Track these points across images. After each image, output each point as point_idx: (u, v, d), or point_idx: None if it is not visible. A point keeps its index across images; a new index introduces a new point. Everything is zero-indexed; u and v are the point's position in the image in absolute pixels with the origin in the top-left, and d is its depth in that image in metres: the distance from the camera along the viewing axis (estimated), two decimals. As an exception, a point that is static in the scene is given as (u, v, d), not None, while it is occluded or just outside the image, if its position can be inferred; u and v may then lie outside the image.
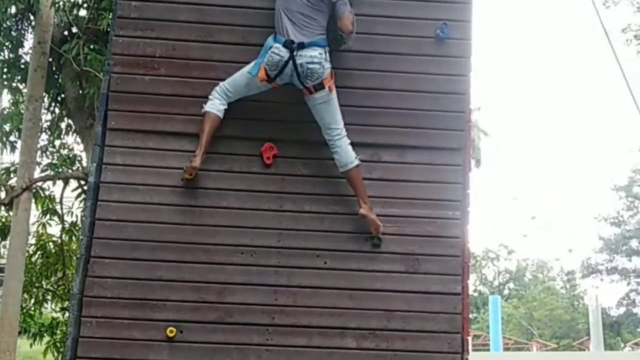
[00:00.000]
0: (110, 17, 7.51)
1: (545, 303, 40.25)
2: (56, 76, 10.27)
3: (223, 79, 4.95)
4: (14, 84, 10.71)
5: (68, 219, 10.52)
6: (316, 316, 4.75)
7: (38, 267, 10.78)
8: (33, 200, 9.90)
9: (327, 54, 4.77)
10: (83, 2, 9.82)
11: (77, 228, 10.22)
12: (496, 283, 46.86)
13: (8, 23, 10.22)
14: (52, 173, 10.17)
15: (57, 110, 10.78)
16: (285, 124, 4.98)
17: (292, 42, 4.71)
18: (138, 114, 4.96)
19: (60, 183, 10.30)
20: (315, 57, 4.70)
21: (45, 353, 10.49)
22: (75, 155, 10.74)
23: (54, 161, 10.57)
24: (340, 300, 4.78)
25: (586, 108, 64.97)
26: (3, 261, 10.38)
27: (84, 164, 10.26)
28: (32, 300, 10.86)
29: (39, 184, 10.05)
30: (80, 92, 10.00)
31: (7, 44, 10.41)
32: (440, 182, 4.99)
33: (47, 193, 10.32)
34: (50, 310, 11.60)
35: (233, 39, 5.05)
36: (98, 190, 4.86)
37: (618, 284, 41.33)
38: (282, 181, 4.93)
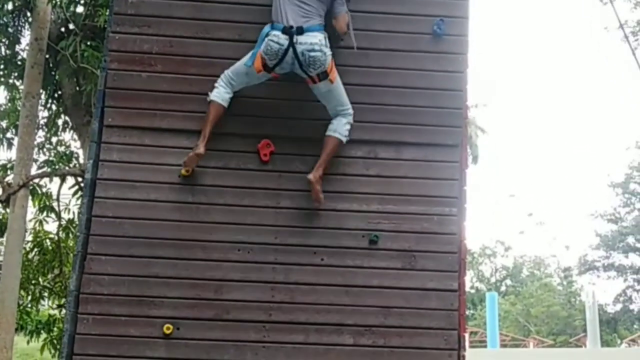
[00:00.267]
0: (107, 13, 7.50)
1: (542, 300, 40.33)
2: (53, 73, 10.26)
3: (220, 76, 4.94)
4: (11, 81, 10.70)
5: (65, 216, 10.52)
6: (313, 313, 4.75)
7: (35, 264, 10.78)
8: (30, 197, 9.89)
9: (327, 40, 4.74)
10: (80, -1, 9.80)
11: (74, 225, 10.21)
12: (493, 280, 46.93)
13: (5, 19, 10.21)
14: (49, 170, 10.16)
15: (54, 107, 10.77)
16: (282, 121, 4.97)
17: (291, 27, 4.67)
18: (135, 110, 4.95)
19: (57, 180, 10.29)
20: (316, 45, 4.65)
21: (42, 350, 10.49)
22: (72, 152, 10.73)
23: (51, 158, 10.55)
24: (337, 297, 4.78)
25: (583, 105, 65.05)
26: (0, 258, 10.36)
27: (81, 160, 10.25)
28: (29, 297, 10.87)
29: (36, 180, 10.03)
30: (77, 88, 10.00)
31: (3, 40, 10.40)
32: (437, 178, 5.00)
33: (44, 190, 10.30)
34: (47, 307, 11.60)
35: (230, 36, 5.05)
36: (95, 187, 4.86)
37: (615, 281, 41.47)
38: (279, 178, 4.93)
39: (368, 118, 5.01)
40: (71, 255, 9.91)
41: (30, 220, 10.60)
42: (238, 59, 4.92)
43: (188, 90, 4.98)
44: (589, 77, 67.25)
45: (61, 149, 10.95)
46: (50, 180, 10.32)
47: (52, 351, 10.32)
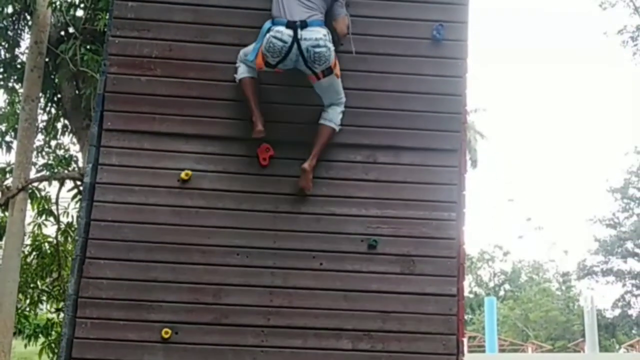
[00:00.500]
0: (106, 17, 7.50)
1: (540, 304, 40.31)
2: (52, 76, 10.26)
3: (219, 80, 4.96)
4: (10, 84, 10.70)
5: (64, 219, 10.51)
6: (312, 317, 4.75)
7: (33, 267, 10.77)
8: (29, 201, 9.89)
9: (330, 35, 4.72)
10: (80, 3, 9.80)
11: (72, 229, 10.20)
12: (492, 284, 46.91)
13: (5, 23, 10.21)
14: (48, 173, 10.16)
15: (53, 111, 10.77)
16: (282, 125, 4.97)
17: (295, 21, 4.64)
18: (134, 114, 4.95)
19: (56, 183, 10.29)
20: (321, 40, 4.61)
21: (40, 354, 10.48)
22: (71, 156, 10.74)
23: (50, 161, 10.56)
24: (335, 301, 4.78)
25: (582, 110, 65.09)
26: (-2, 262, 10.34)
27: (80, 164, 10.25)
28: (28, 301, 10.85)
29: (35, 184, 10.03)
30: (77, 92, 10.00)
31: (3, 43, 10.40)
32: (436, 183, 5.00)
33: (42, 193, 10.31)
34: (46, 311, 11.58)
35: (229, 40, 5.05)
36: (94, 191, 4.86)
37: (613, 286, 41.40)
38: (278, 182, 4.93)
39: (367, 122, 5.01)
40: (70, 259, 9.90)
41: (29, 224, 10.59)
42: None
43: (187, 94, 4.98)
44: (589, 82, 67.35)
45: (60, 152, 10.96)
46: (49, 184, 10.32)
47: (50, 355, 10.30)
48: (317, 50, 4.60)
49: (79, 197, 9.72)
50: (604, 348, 34.68)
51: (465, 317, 5.91)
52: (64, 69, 9.74)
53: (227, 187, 4.91)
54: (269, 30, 4.66)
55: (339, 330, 4.74)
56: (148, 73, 4.99)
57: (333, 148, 4.95)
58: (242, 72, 4.85)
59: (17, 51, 10.63)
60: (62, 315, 9.64)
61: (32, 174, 10.04)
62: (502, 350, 30.41)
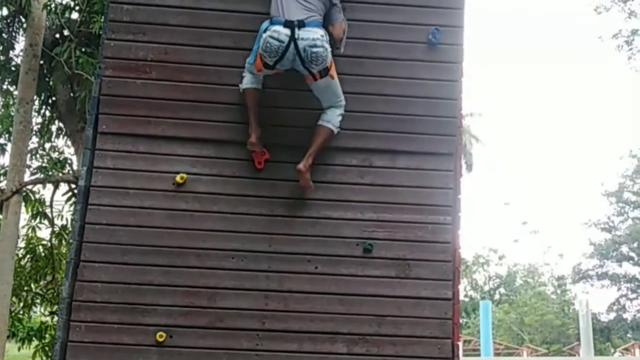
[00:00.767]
0: (102, 20, 7.49)
1: (535, 308, 40.30)
2: (47, 79, 10.25)
3: (215, 84, 4.96)
4: (5, 86, 10.70)
5: (58, 222, 10.50)
6: (307, 321, 4.74)
7: (27, 270, 10.74)
8: (23, 204, 9.86)
9: (327, 36, 4.71)
10: (75, 5, 9.80)
11: (67, 232, 10.18)
12: (487, 288, 46.91)
13: (-1, 25, 10.19)
14: (42, 176, 10.14)
15: (47, 113, 10.76)
16: (277, 129, 4.97)
17: (292, 21, 4.62)
18: (129, 117, 4.94)
19: (50, 186, 10.27)
20: (318, 40, 4.60)
21: (33, 357, 10.43)
22: (65, 159, 10.72)
23: (44, 164, 10.54)
24: (331, 305, 4.77)
25: (577, 114, 65.26)
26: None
27: (75, 167, 10.24)
28: (21, 304, 10.82)
29: (29, 187, 10.01)
30: (72, 95, 9.99)
31: (-2, 45, 10.38)
32: (432, 187, 4.99)
33: (37, 196, 10.28)
34: (39, 314, 11.55)
35: (225, 43, 5.04)
36: (88, 194, 4.85)
37: (608, 290, 41.50)
38: (274, 186, 4.92)
39: (363, 126, 5.01)
40: (64, 262, 9.87)
41: (23, 227, 10.58)
42: (232, 67, 4.93)
43: (183, 97, 4.97)
44: (584, 86, 67.49)
45: (55, 155, 10.94)
46: (44, 187, 10.30)
47: (44, 358, 10.26)
48: (314, 50, 4.59)
49: (73, 200, 9.70)
50: (599, 352, 34.70)
51: (461, 320, 5.91)
52: (59, 72, 9.72)
53: (222, 190, 4.90)
54: (266, 30, 4.66)
55: (334, 334, 4.73)
56: (143, 76, 4.98)
57: (329, 152, 4.94)
58: (246, 82, 4.85)
59: (11, 53, 10.62)
60: (56, 318, 9.61)
61: (27, 177, 10.02)
62: (497, 354, 30.40)
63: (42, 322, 10.76)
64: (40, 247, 10.68)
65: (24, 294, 10.75)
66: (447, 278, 4.87)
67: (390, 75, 5.08)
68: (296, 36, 4.59)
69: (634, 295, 41.16)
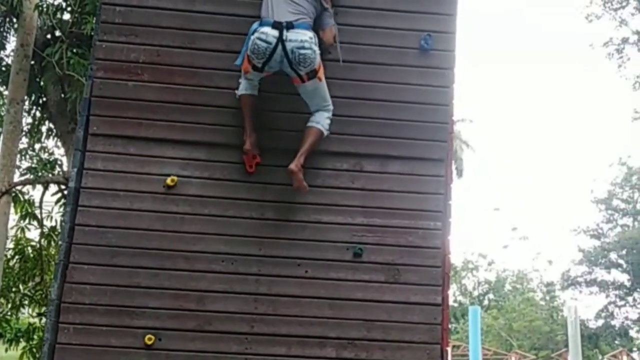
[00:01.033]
0: (94, 21, 7.47)
1: (524, 314, 40.40)
2: (38, 79, 10.22)
3: (206, 86, 4.95)
4: (-4, 87, 10.64)
5: (47, 223, 10.46)
6: (296, 325, 4.73)
7: (16, 271, 10.69)
8: (12, 204, 9.82)
9: (316, 39, 4.71)
10: (67, 6, 9.77)
11: (56, 233, 10.14)
12: (476, 293, 46.99)
13: (-10, 25, 10.16)
14: (32, 177, 10.09)
15: (38, 114, 10.72)
16: (268, 132, 4.96)
17: (280, 22, 4.61)
18: (120, 119, 4.93)
19: (40, 187, 10.23)
20: (306, 42, 4.59)
21: (21, 358, 10.38)
22: (55, 160, 10.68)
23: (34, 165, 10.50)
24: (320, 309, 4.77)
25: (567, 122, 65.52)
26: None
27: (65, 168, 10.20)
28: (9, 305, 10.76)
29: (19, 187, 9.96)
30: (62, 96, 9.96)
31: (-11, 45, 10.35)
32: (422, 192, 5.00)
33: (26, 197, 10.24)
34: (27, 315, 11.49)
35: (217, 46, 5.04)
36: (78, 196, 4.83)
37: (597, 296, 41.62)
38: (264, 189, 4.92)
39: (354, 131, 5.01)
40: (53, 263, 9.83)
41: (12, 228, 10.52)
42: (224, 70, 4.93)
43: (174, 100, 4.96)
44: (574, 94, 67.78)
45: (45, 156, 10.89)
46: (33, 188, 10.26)
47: (31, 360, 10.22)
48: (302, 52, 4.59)
49: (63, 201, 9.67)
50: (587, 358, 34.81)
51: (450, 326, 5.92)
52: (50, 73, 9.70)
53: (213, 193, 4.89)
54: (255, 31, 4.65)
55: (323, 338, 4.73)
56: (135, 78, 4.97)
57: (320, 156, 4.94)
58: (242, 88, 4.86)
59: (2, 54, 10.59)
60: (44, 320, 9.57)
61: (16, 177, 9.98)
62: (485, 360, 30.43)
63: (30, 324, 10.71)
64: (29, 248, 10.64)
65: (12, 295, 10.70)
66: (436, 283, 4.87)
67: (381, 81, 5.09)
68: (284, 37, 4.59)
69: (622, 303, 41.33)
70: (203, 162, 4.92)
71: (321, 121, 4.84)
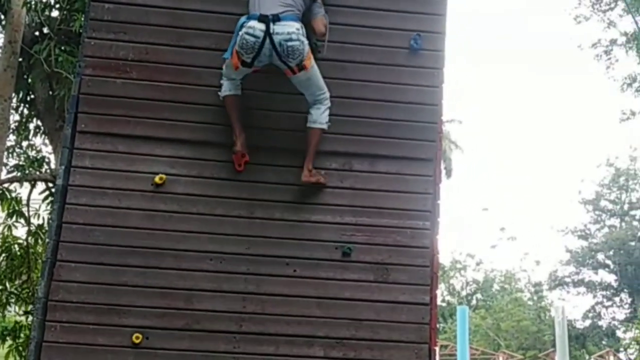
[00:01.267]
0: (82, 18, 7.44)
1: (512, 314, 40.51)
2: (26, 76, 10.15)
3: (195, 84, 4.95)
4: (-18, 84, 10.55)
5: (34, 221, 10.38)
6: (284, 324, 4.73)
7: (2, 269, 10.61)
8: (-1, 202, 9.76)
9: (304, 30, 4.69)
10: (55, 3, 9.71)
11: (43, 231, 10.07)
12: (464, 293, 47.10)
13: (-22, 21, 10.09)
14: (19, 174, 10.03)
15: (25, 111, 10.65)
16: (257, 131, 4.96)
17: (267, 15, 4.60)
18: (109, 117, 4.91)
19: (27, 185, 10.17)
20: (293, 34, 4.58)
21: (6, 357, 10.32)
22: (43, 157, 10.61)
23: (21, 162, 10.43)
24: (308, 308, 4.77)
25: (555, 123, 65.81)
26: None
27: (52, 166, 10.15)
28: (-5, 303, 10.68)
29: (6, 185, 9.90)
30: (50, 93, 9.90)
31: (-24, 42, 10.27)
32: (411, 192, 5.01)
33: (13, 195, 10.17)
34: (14, 313, 11.43)
35: (206, 44, 5.03)
36: (66, 193, 4.81)
37: (584, 297, 41.85)
38: (253, 188, 4.91)
39: (343, 130, 5.01)
40: (40, 261, 9.77)
41: (-1, 225, 10.46)
42: (213, 68, 4.92)
43: (162, 97, 4.95)
44: (562, 95, 68.04)
45: (32, 153, 10.83)
46: (20, 185, 10.19)
47: (18, 358, 10.16)
48: (290, 44, 4.58)
49: (50, 199, 9.61)
50: (574, 358, 34.97)
51: (438, 325, 5.93)
52: (38, 70, 9.63)
53: (201, 192, 4.88)
54: (242, 26, 4.63)
55: (311, 337, 4.73)
56: (123, 76, 4.96)
57: (309, 155, 4.93)
58: (225, 89, 4.84)
59: (-10, 50, 10.49)
60: (30, 318, 9.52)
61: (3, 175, 9.91)
62: (473, 359, 30.52)
63: (16, 322, 10.65)
64: (16, 246, 10.56)
65: (-1, 293, 10.63)
66: (425, 283, 4.88)
67: (371, 80, 5.09)
68: (271, 31, 4.58)
69: (609, 303, 41.56)
70: (192, 160, 4.91)
71: (319, 118, 4.84)
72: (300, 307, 4.76)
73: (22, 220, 10.38)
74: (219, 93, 4.86)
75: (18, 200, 10.28)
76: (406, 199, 4.99)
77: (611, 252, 40.56)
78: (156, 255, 4.75)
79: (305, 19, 4.81)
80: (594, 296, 41.58)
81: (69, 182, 4.82)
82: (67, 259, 4.71)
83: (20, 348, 10.06)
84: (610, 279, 41.29)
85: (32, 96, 10.31)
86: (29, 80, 10.12)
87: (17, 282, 10.74)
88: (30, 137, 10.87)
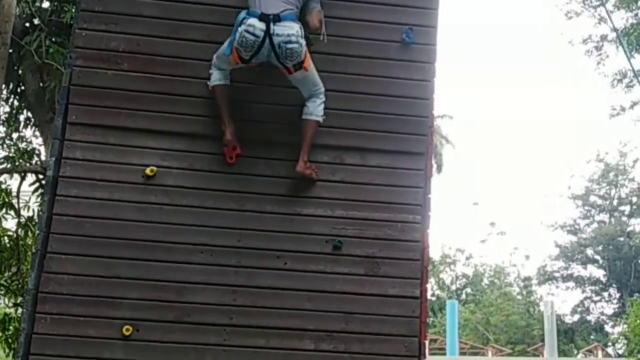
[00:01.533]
0: (73, 9, 7.41)
1: (501, 309, 40.70)
2: (16, 68, 10.10)
3: (187, 77, 4.93)
4: (-28, 75, 10.50)
5: (24, 213, 10.35)
6: (275, 317, 4.73)
7: (-8, 261, 10.58)
8: (-11, 194, 9.72)
9: (302, 30, 4.69)
10: (46, -6, 9.68)
11: (33, 223, 10.05)
12: (454, 288, 47.25)
13: (-33, 12, 10.01)
14: (9, 166, 10.00)
15: (16, 103, 10.61)
16: (249, 123, 4.95)
17: (268, 15, 4.59)
18: (100, 108, 4.89)
19: (17, 176, 10.13)
20: (293, 36, 4.58)
21: (-4, 348, 10.31)
22: (33, 149, 10.58)
23: (12, 154, 10.39)
24: (299, 301, 4.77)
25: (546, 118, 65.98)
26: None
27: (43, 157, 10.11)
28: (-15, 295, 10.66)
29: (-5, 177, 9.86)
30: (41, 84, 9.86)
31: (-34, 33, 10.20)
32: (402, 186, 5.01)
33: (3, 186, 10.14)
34: (3, 305, 11.40)
35: (199, 37, 5.01)
36: (56, 185, 4.79)
37: (573, 292, 42.14)
38: (244, 181, 4.91)
39: (335, 123, 5.01)
40: (29, 253, 9.74)
41: (-12, 218, 10.41)
42: (206, 61, 4.90)
43: (154, 89, 4.93)
44: (552, 90, 68.22)
45: (22, 145, 10.79)
46: (11, 177, 10.16)
47: (7, 350, 10.14)
48: (289, 46, 4.58)
49: (40, 190, 9.58)
50: (562, 353, 35.17)
51: (427, 319, 5.95)
52: (29, 61, 9.59)
53: (193, 184, 4.87)
54: (242, 22, 4.63)
55: (301, 330, 4.73)
56: (115, 67, 4.94)
57: (300, 148, 4.92)
58: (215, 79, 4.83)
59: (-20, 41, 10.43)
60: (20, 310, 9.50)
61: (-7, 167, 9.87)
62: (462, 353, 30.67)
63: (6, 314, 10.62)
64: (6, 238, 10.53)
65: (-12, 285, 10.60)
66: (415, 277, 4.89)
67: (362, 74, 5.09)
68: (271, 31, 4.58)
69: (598, 298, 41.82)
70: (183, 152, 4.90)
71: (314, 111, 4.85)
72: (291, 300, 4.77)
73: (12, 212, 10.35)
74: (208, 83, 4.85)
75: (8, 192, 10.24)
76: (397, 193, 5.00)
77: (600, 248, 40.80)
78: (147, 247, 4.74)
79: (301, 14, 4.80)
80: (583, 291, 41.83)
81: (59, 174, 4.80)
82: (57, 251, 4.69)
83: (10, 340, 10.04)
84: (599, 274, 41.55)
85: (23, 87, 10.26)
86: (20, 71, 10.08)
87: (6, 274, 10.71)
88: (20, 128, 10.83)
